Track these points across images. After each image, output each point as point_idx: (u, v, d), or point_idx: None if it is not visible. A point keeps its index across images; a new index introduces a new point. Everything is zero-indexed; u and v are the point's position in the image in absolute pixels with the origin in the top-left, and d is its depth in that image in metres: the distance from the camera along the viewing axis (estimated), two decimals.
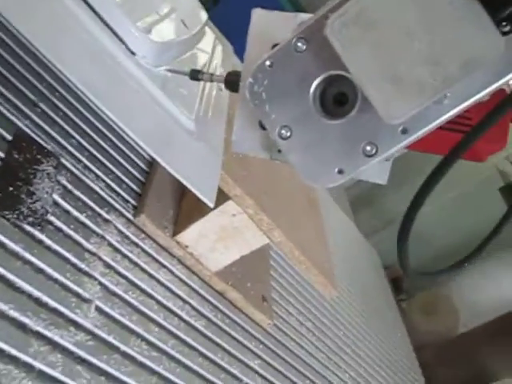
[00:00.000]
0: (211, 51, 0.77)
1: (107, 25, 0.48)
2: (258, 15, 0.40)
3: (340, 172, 0.35)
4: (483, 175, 1.91)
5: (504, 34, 0.25)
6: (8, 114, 0.48)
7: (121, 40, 0.48)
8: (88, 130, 0.58)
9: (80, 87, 0.37)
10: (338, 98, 0.34)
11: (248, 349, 0.66)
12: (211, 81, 0.52)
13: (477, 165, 1.00)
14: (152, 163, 0.66)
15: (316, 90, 0.34)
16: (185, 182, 0.45)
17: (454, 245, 1.78)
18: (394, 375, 1.10)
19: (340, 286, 1.04)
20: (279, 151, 0.42)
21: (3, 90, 0.49)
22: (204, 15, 0.75)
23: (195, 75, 0.52)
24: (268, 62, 0.34)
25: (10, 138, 0.47)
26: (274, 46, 0.41)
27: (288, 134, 0.35)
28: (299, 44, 0.33)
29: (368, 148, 0.33)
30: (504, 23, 0.25)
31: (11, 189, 0.44)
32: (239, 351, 0.63)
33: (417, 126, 0.31)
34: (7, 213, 0.43)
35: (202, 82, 0.63)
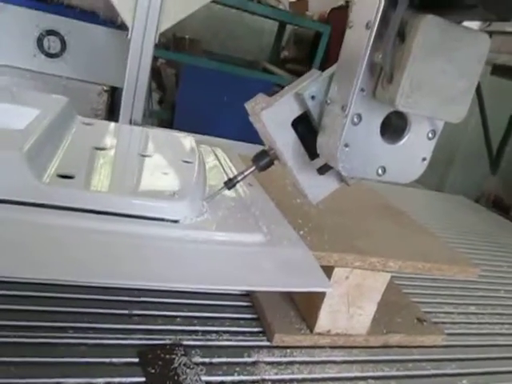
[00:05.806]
0: (215, 157, 0.80)
1: (139, 217, 0.50)
2: (266, 115, 0.49)
3: (424, 160, 0.50)
4: None
5: None
6: (123, 342, 0.51)
7: (158, 219, 0.51)
8: (182, 301, 0.60)
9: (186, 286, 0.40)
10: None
11: (448, 375, 0.62)
12: (244, 178, 0.54)
13: None
14: None
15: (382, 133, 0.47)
16: (295, 290, 0.45)
17: None
18: None
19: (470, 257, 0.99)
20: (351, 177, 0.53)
21: (100, 325, 0.52)
22: (191, 140, 0.78)
23: (230, 184, 0.55)
24: (344, 146, 0.45)
25: (136, 360, 0.49)
26: (294, 121, 0.50)
27: (384, 171, 0.48)
28: (355, 120, 0.44)
29: (430, 135, 0.48)
30: None
31: None
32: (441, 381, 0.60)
33: None
34: None
35: (234, 191, 0.64)
